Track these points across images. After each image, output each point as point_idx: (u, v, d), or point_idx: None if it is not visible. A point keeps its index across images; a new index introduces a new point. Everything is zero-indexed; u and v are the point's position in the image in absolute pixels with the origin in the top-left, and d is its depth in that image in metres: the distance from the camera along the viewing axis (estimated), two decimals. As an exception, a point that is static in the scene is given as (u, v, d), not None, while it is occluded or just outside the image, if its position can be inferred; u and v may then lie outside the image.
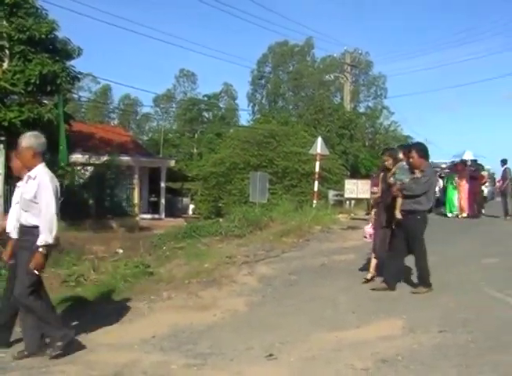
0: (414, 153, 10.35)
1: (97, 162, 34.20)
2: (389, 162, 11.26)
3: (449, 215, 25.49)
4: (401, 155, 11.00)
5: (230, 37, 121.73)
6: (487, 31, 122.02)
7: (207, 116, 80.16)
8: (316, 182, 27.11)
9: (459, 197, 25.36)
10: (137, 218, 35.66)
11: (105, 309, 9.58)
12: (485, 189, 33.27)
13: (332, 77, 53.54)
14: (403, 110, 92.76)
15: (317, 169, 26.97)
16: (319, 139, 26.91)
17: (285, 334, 7.81)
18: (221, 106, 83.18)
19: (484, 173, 32.40)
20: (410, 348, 7.12)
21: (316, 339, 7.62)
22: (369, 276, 11.33)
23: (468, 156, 28.70)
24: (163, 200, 41.39)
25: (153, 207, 41.63)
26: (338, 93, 63.90)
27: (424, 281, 10.37)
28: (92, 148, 36.96)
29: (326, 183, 32.66)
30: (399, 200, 10.42)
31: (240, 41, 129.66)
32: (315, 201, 26.34)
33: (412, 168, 10.50)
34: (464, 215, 24.96)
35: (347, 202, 30.77)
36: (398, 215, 10.36)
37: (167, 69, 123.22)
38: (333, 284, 11.26)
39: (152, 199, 43.21)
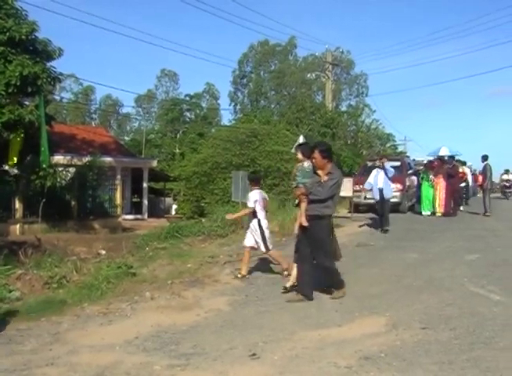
0: (317, 154, 9.72)
1: (79, 163, 34.04)
2: (298, 157, 11.10)
3: (424, 213, 25.01)
4: (300, 155, 10.91)
5: (212, 37, 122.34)
6: (466, 29, 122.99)
7: (189, 116, 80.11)
8: (298, 181, 27.06)
9: (435, 194, 24.84)
10: (119, 219, 35.54)
11: (87, 310, 9.56)
12: (468, 186, 32.88)
13: (313, 75, 53.67)
14: (384, 108, 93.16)
15: (299, 168, 26.95)
16: (301, 138, 26.90)
17: (268, 333, 7.82)
18: (203, 105, 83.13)
19: (466, 169, 32.35)
20: (393, 345, 7.15)
21: (299, 338, 7.62)
22: (288, 284, 10.60)
23: (444, 152, 28.71)
24: (145, 201, 41.31)
25: (136, 208, 41.54)
26: (320, 92, 63.90)
27: (337, 284, 10.05)
28: (74, 149, 36.90)
29: (308, 182, 32.64)
30: (303, 205, 9.95)
31: (222, 41, 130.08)
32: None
33: (315, 169, 9.98)
34: (440, 213, 24.54)
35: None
36: (304, 222, 9.79)
37: (148, 69, 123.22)
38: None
39: (134, 199, 43.15)
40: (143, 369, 6.62)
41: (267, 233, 12.17)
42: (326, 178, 9.63)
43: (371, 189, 20.06)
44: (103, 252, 17.77)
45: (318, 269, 10.02)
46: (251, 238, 12.12)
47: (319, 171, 9.76)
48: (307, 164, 10.61)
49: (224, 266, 13.02)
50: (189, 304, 9.76)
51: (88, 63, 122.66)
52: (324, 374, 6.28)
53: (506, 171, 44.86)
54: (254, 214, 12.10)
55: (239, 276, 11.79)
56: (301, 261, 10.06)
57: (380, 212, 19.78)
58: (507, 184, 43.28)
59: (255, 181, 12.72)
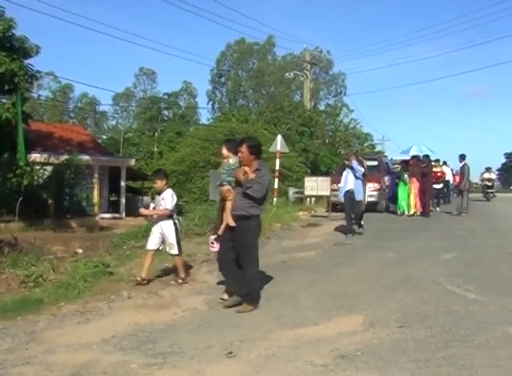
0: (245, 149, 9.20)
1: (56, 162, 33.81)
2: (223, 153, 10.44)
3: (399, 212, 24.77)
4: (225, 151, 10.30)
5: (191, 36, 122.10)
6: (444, 30, 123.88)
7: (167, 114, 79.98)
8: (276, 180, 27.12)
9: (409, 194, 24.55)
10: (97, 218, 35.38)
11: (64, 309, 9.52)
12: (448, 186, 32.66)
13: (292, 75, 53.61)
14: (363, 107, 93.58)
15: (277, 167, 27.04)
16: (279, 137, 27.00)
17: (245, 332, 7.83)
18: (181, 104, 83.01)
19: (447, 169, 32.19)
20: (370, 344, 7.17)
21: (276, 336, 7.63)
22: (225, 296, 9.82)
23: (415, 151, 28.77)
24: (123, 200, 41.10)
25: (113, 207, 41.33)
26: (299, 91, 64.01)
27: (252, 298, 9.30)
28: (51, 147, 36.63)
29: (286, 181, 32.77)
30: (229, 204, 9.56)
31: (201, 40, 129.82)
32: (275, 199, 26.36)
33: (241, 165, 9.39)
34: (413, 213, 24.39)
35: (308, 199, 30.86)
36: (231, 222, 9.30)
37: (126, 67, 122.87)
38: (293, 281, 11.29)
39: (112, 198, 42.95)
40: (120, 368, 6.60)
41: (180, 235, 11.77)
42: (253, 175, 9.08)
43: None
44: (80, 251, 17.71)
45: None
46: (157, 240, 11.47)
47: (245, 168, 9.20)
48: (233, 160, 10.00)
49: (201, 265, 13.01)
50: (166, 303, 9.74)
51: (66, 61, 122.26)
52: (300, 373, 6.29)
53: (488, 170, 40.54)
54: (169, 215, 11.50)
55: (138, 279, 11.18)
56: (224, 262, 9.61)
57: (347, 214, 18.63)
58: (489, 183, 38.65)
59: (166, 178, 11.99)
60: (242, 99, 78.15)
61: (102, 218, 36.11)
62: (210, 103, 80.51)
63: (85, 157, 36.70)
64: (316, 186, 26.11)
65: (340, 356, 6.73)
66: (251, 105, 74.45)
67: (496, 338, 7.25)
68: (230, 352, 6.96)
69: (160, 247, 11.60)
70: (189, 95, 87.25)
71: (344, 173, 18.78)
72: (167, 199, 11.39)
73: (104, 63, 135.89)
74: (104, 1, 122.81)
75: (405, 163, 26.27)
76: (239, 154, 9.36)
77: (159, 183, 11.58)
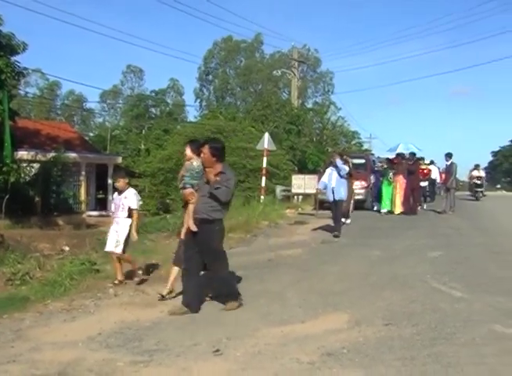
0: (207, 150, 8.91)
1: (43, 159, 33.74)
2: (186, 154, 9.90)
3: (383, 211, 24.49)
4: (188, 151, 9.83)
5: (178, 33, 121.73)
6: (430, 29, 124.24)
7: (154, 112, 79.79)
8: (264, 178, 27.17)
9: (394, 192, 24.30)
10: (84, 215, 35.34)
11: (50, 307, 9.49)
12: (435, 184, 32.27)
13: (279, 72, 53.64)
14: (350, 105, 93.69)
15: (264, 165, 27.02)
16: (266, 135, 26.97)
17: (231, 330, 7.82)
18: (169, 101, 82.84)
19: (434, 168, 31.98)
20: (356, 342, 7.19)
21: (263, 334, 7.64)
22: (164, 291, 9.79)
23: (402, 149, 28.19)
24: (110, 197, 41.01)
25: (101, 204, 41.25)
26: (286, 89, 63.97)
27: (232, 294, 9.24)
28: (38, 144, 36.52)
29: (273, 179, 32.76)
30: (191, 207, 9.17)
31: (188, 37, 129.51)
32: (262, 197, 26.39)
33: (204, 166, 9.12)
34: (399, 211, 24.16)
35: (295, 197, 30.89)
36: (192, 226, 8.95)
37: (114, 65, 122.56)
38: (279, 279, 11.29)
39: (99, 196, 42.85)
40: (106, 365, 6.58)
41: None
42: (217, 178, 8.79)
43: (325, 189, 18.54)
44: (67, 249, 17.71)
45: (210, 277, 9.58)
46: (114, 241, 11.14)
47: (207, 170, 8.98)
48: (196, 163, 9.57)
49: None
50: (153, 300, 9.70)
51: (54, 59, 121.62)
52: (286, 371, 6.29)
53: (476, 167, 38.68)
54: (129, 214, 11.23)
55: (116, 282, 10.98)
56: (187, 270, 9.14)
57: (333, 214, 18.39)
58: (478, 182, 36.28)
59: (127, 177, 11.80)
60: (229, 97, 78.08)
61: (89, 216, 36.05)
62: (198, 100, 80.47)
63: (72, 155, 36.63)
64: (303, 184, 26.18)
65: (327, 353, 6.74)
66: (239, 103, 74.41)
67: (482, 336, 7.29)
68: (217, 350, 6.95)
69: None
70: (176, 93, 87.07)
71: (328, 170, 18.49)
72: (132, 198, 11.27)
73: (92, 61, 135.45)
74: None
75: (389, 161, 25.92)
76: (202, 155, 9.09)
77: (122, 182, 11.41)
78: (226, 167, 9.21)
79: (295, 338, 7.40)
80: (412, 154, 26.18)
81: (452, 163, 25.29)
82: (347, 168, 18.32)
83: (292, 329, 7.85)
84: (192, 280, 9.05)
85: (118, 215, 11.25)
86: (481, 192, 36.19)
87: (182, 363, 6.59)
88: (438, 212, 24.75)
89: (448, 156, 25.54)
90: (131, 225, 11.18)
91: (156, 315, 8.80)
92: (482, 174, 37.53)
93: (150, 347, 7.21)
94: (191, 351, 6.99)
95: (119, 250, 11.09)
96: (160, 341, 7.43)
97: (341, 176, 18.05)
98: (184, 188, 9.64)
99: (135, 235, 11.25)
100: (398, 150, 27.51)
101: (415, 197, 24.81)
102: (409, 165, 24.73)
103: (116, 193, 11.59)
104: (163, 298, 9.68)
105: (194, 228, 8.91)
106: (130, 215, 11.20)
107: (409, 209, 24.05)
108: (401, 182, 24.25)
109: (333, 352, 6.79)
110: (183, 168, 9.99)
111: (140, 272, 11.30)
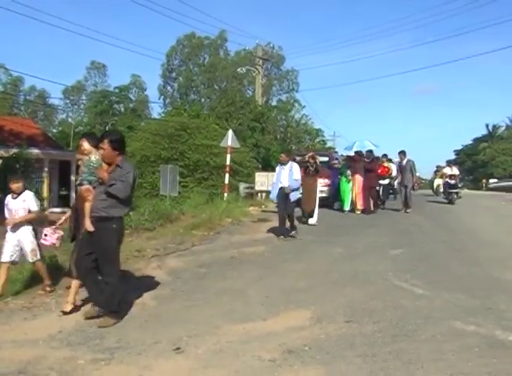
0: (107, 144, 8.32)
1: (5, 155, 33.43)
2: (84, 148, 9.24)
3: (346, 209, 23.78)
4: (86, 145, 9.17)
5: (141, 29, 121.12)
6: (396, 27, 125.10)
7: (118, 108, 79.35)
8: (227, 175, 27.16)
9: (352, 190, 23.78)
10: (46, 212, 35.02)
11: (11, 304, 9.42)
12: (395, 182, 31.39)
13: (244, 70, 53.62)
14: (314, 103, 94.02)
15: (228, 162, 27.00)
16: (230, 132, 26.95)
17: (193, 328, 7.81)
18: (132, 98, 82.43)
19: (393, 166, 31.40)
20: (317, 339, 7.23)
21: (224, 332, 7.64)
22: (68, 307, 8.78)
23: (358, 147, 27.62)
24: (73, 194, 40.71)
25: (63, 201, 40.94)
26: (251, 86, 63.93)
27: (113, 307, 8.40)
28: (1, 140, 36.15)
29: (237, 176, 32.74)
30: (88, 205, 8.51)
31: (152, 34, 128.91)
32: (226, 194, 26.37)
33: (104, 162, 8.54)
34: (358, 210, 23.76)
35: (258, 195, 30.90)
36: (88, 226, 8.35)
37: (77, 60, 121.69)
38: (242, 276, 11.31)
39: (62, 192, 42.52)
40: (67, 364, 6.56)
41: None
42: (114, 173, 8.30)
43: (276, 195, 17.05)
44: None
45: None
46: (12, 251, 10.38)
47: (105, 166, 8.47)
48: (95, 157, 8.92)
49: (151, 260, 12.94)
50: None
51: (17, 54, 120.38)
52: (247, 368, 6.31)
53: (449, 163, 34.15)
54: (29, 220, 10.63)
55: (47, 289, 10.29)
56: (85, 272, 8.51)
57: (281, 216, 16.90)
58: (452, 181, 29.89)
59: (21, 179, 11.05)
60: (194, 94, 77.81)
61: (52, 213, 35.73)
62: (162, 97, 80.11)
63: (35, 151, 36.29)
64: (267, 181, 26.18)
65: (288, 350, 6.77)
66: (203, 100, 74.19)
67: (442, 333, 7.37)
68: (178, 348, 6.96)
69: (16, 259, 10.49)
70: (139, 89, 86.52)
71: (277, 169, 17.26)
72: (31, 200, 10.69)
73: (55, 56, 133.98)
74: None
75: (350, 159, 25.61)
76: (101, 150, 8.49)
77: (17, 185, 10.58)
78: (124, 160, 8.59)
79: (257, 336, 7.42)
80: (369, 152, 25.78)
81: (408, 160, 25.01)
82: (298, 177, 16.84)
83: (254, 326, 7.87)
84: (95, 285, 8.52)
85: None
86: (456, 193, 30.39)
87: (143, 361, 6.58)
88: (398, 211, 24.63)
89: (403, 154, 25.27)
90: (34, 230, 10.71)
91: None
92: (456, 171, 31.34)
93: (111, 345, 7.18)
94: (152, 349, 6.98)
95: (37, 257, 10.51)
96: (121, 339, 7.40)
97: (294, 177, 16.59)
98: (81, 184, 8.99)
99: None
100: (355, 148, 27.14)
101: (372, 196, 24.43)
102: (366, 163, 24.37)
103: (9, 197, 10.64)
104: (67, 313, 8.66)
105: (91, 228, 8.31)
106: (29, 221, 10.63)
107: (368, 208, 23.82)
108: (358, 180, 23.81)
109: (295, 349, 6.83)
110: (82, 163, 9.27)
111: (48, 289, 10.34)
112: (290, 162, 16.94)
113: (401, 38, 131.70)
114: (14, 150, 33.43)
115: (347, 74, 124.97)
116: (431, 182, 39.68)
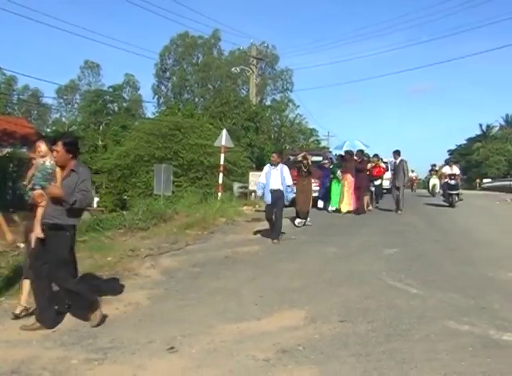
0: (61, 147, 7.91)
1: (-1, 154, 33.45)
2: (40, 150, 8.82)
3: (331, 209, 23.73)
4: (44, 147, 8.85)
5: (135, 29, 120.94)
6: (390, 27, 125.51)
7: (112, 108, 79.26)
8: (221, 175, 27.13)
9: (342, 190, 23.49)
10: (40, 212, 35.01)
11: (5, 304, 9.36)
12: (387, 182, 30.82)
13: (238, 69, 53.62)
14: (309, 103, 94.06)
15: (222, 162, 26.97)
16: (224, 132, 26.92)
17: (187, 327, 7.80)
18: (126, 97, 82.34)
19: (383, 165, 30.83)
20: (311, 338, 7.23)
21: (218, 331, 7.63)
22: (17, 310, 8.53)
23: (348, 146, 27.29)
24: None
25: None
26: (245, 86, 63.94)
27: (90, 305, 8.15)
28: (-5, 140, 36.22)
29: (231, 176, 32.77)
30: (40, 211, 8.15)
31: (147, 33, 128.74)
32: (220, 193, 26.34)
33: (57, 166, 8.11)
34: (347, 210, 23.28)
35: (252, 194, 30.88)
36: (38, 232, 8.00)
37: (70, 60, 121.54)
38: (236, 276, 11.29)
39: (56, 192, 42.50)
40: (60, 363, 6.54)
41: None
42: (69, 178, 7.90)
43: (263, 192, 16.38)
44: (22, 245, 17.45)
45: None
46: None
47: (58, 170, 8.08)
48: (50, 162, 8.60)
49: (144, 260, 12.91)
50: (108, 298, 9.57)
51: (11, 53, 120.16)
52: (242, 367, 6.31)
53: (449, 162, 32.24)
54: None
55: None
56: (37, 281, 8.09)
57: (268, 218, 16.23)
58: (452, 182, 27.21)
59: None
60: (188, 94, 77.79)
61: (46, 212, 35.73)
62: (156, 97, 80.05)
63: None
64: (261, 181, 26.06)
65: (282, 350, 6.77)
66: (197, 99, 74.19)
67: (436, 332, 7.38)
68: (172, 347, 6.95)
69: None
70: (132, 88, 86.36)
71: (266, 168, 16.52)
72: None
73: (49, 55, 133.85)
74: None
75: (342, 158, 25.30)
76: (54, 154, 8.06)
77: None
78: (79, 164, 8.16)
79: (251, 335, 7.42)
80: (360, 152, 25.31)
81: (401, 160, 24.44)
82: (290, 183, 16.27)
83: (248, 326, 7.86)
84: (45, 294, 8.10)
85: None
86: (457, 195, 27.82)
87: (137, 360, 6.58)
88: (390, 211, 24.33)
89: (397, 153, 24.64)
90: None
91: (111, 312, 8.70)
92: (456, 171, 28.66)
93: (105, 345, 7.17)
94: (146, 348, 6.97)
95: None
96: (115, 338, 7.39)
97: (284, 178, 15.99)
98: (33, 189, 8.59)
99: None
100: (345, 148, 26.83)
101: (362, 196, 23.77)
102: (357, 163, 24.01)
103: None
104: (17, 317, 8.39)
105: (41, 235, 7.96)
106: None
107: (357, 208, 23.35)
108: (349, 180, 23.54)
109: (289, 348, 6.83)
110: (33, 165, 8.95)
111: None
112: (280, 165, 16.26)
113: (395, 38, 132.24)
114: (7, 150, 33.41)
115: (341, 73, 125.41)
116: (427, 181, 38.79)
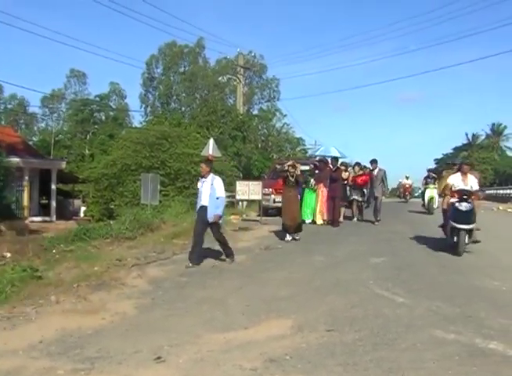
0: None
1: (-15, 163, 33.36)
2: None
3: (307, 221, 22.16)
4: None
5: (122, 38, 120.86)
6: (379, 36, 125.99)
7: (99, 117, 79.22)
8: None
9: (316, 200, 22.81)
10: (27, 221, 34.91)
11: (-9, 314, 9.34)
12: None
13: (225, 78, 53.69)
14: (296, 112, 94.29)
15: (209, 171, 26.90)
16: (211, 141, 26.91)
17: (174, 337, 7.78)
18: (112, 106, 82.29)
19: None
20: (298, 348, 7.23)
21: (205, 341, 7.61)
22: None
23: (322, 152, 27.00)
24: (54, 203, 40.67)
25: (44, 210, 40.85)
26: (233, 95, 64.00)
27: None
28: (-20, 149, 36.08)
29: (218, 185, 32.71)
30: None
31: (132, 41, 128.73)
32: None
33: None
34: (321, 221, 22.78)
35: (240, 203, 30.88)
36: None
37: (56, 69, 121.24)
38: (223, 285, 11.28)
39: (42, 201, 42.43)
40: (46, 374, 6.52)
41: None
42: None
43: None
44: (8, 255, 17.38)
45: None
46: None
47: None
48: None
49: (131, 269, 12.88)
50: (95, 307, 9.59)
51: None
52: (229, 377, 6.30)
53: (460, 166, 18.94)
54: None
55: None
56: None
57: (195, 239, 13.87)
58: (463, 206, 15.88)
59: None
60: (174, 103, 77.74)
61: (32, 222, 35.66)
62: (143, 106, 79.99)
63: (15, 159, 36.29)
64: (248, 190, 26.03)
65: (269, 359, 6.77)
66: (184, 109, 74.16)
67: (423, 341, 7.39)
68: (159, 357, 6.93)
69: None
70: (119, 97, 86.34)
71: (199, 184, 14.29)
72: None
73: (33, 64, 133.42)
74: (33, 1, 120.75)
75: (315, 167, 24.47)
76: None
77: None
78: None
79: (238, 345, 7.41)
80: (335, 159, 24.11)
81: (380, 170, 23.70)
82: (222, 195, 14.05)
83: (235, 336, 7.85)
84: None
85: None
86: (470, 232, 15.90)
87: (124, 370, 6.56)
88: (371, 222, 23.45)
89: (375, 162, 23.83)
90: None
91: (98, 322, 8.70)
92: (474, 184, 18.06)
93: (92, 354, 7.14)
94: (133, 358, 6.95)
95: None
96: (102, 348, 7.35)
97: (214, 192, 13.74)
98: None
99: None
100: (318, 153, 26.18)
101: (337, 207, 22.59)
102: (331, 172, 23.00)
103: None
104: None
105: None
106: None
107: (335, 219, 22.47)
108: (323, 189, 22.83)
109: (276, 358, 6.82)
110: None
111: None
112: (211, 175, 14.07)
113: (383, 47, 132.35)
114: (-6, 159, 33.33)
115: (329, 82, 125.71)
116: (422, 193, 33.45)
